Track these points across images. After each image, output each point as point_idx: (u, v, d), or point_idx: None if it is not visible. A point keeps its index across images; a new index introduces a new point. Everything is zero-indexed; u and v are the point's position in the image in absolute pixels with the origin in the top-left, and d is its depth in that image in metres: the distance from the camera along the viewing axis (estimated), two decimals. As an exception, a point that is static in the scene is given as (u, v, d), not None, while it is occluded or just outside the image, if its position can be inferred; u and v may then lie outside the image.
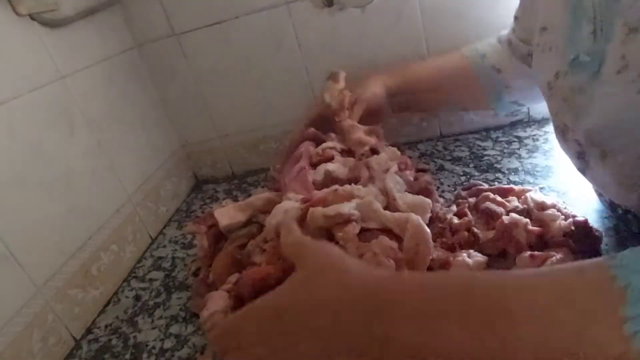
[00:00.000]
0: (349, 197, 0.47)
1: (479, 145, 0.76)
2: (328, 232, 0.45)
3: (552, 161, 0.66)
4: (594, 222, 0.48)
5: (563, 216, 0.46)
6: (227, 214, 0.55)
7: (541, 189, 0.58)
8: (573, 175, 0.52)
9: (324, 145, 0.61)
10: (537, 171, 0.64)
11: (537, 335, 0.24)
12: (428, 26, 0.76)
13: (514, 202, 0.51)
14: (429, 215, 0.48)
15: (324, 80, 0.71)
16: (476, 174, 0.68)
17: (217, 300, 0.43)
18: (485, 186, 0.58)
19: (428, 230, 0.42)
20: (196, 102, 0.88)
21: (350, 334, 0.28)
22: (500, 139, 0.77)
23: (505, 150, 0.73)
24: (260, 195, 0.56)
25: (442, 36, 0.76)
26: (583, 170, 0.44)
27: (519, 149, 0.72)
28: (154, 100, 0.87)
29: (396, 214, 0.45)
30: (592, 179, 0.44)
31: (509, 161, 0.69)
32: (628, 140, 0.33)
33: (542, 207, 0.48)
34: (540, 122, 0.79)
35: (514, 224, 0.45)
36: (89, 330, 0.59)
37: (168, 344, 0.53)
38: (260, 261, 0.46)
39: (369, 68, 0.78)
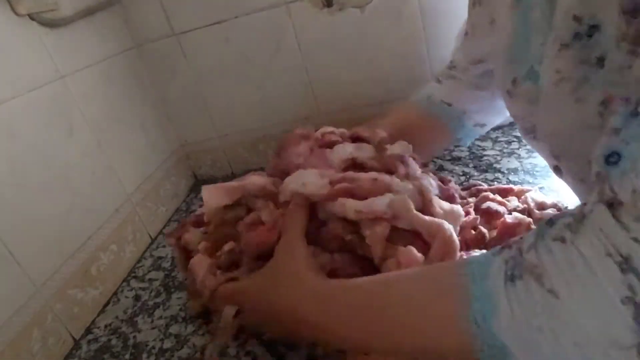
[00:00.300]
0: (386, 190, 0.44)
1: (479, 145, 0.76)
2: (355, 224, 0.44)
3: (551, 161, 0.66)
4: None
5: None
6: (215, 194, 0.52)
7: (540, 188, 0.58)
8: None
9: (322, 130, 0.56)
10: (537, 171, 0.64)
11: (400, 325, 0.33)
12: (428, 26, 0.76)
13: (514, 201, 0.51)
14: (459, 226, 0.46)
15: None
16: (475, 174, 0.68)
17: (200, 265, 0.47)
18: (485, 186, 0.58)
19: (458, 242, 0.41)
20: (196, 102, 0.88)
21: (294, 331, 0.41)
22: (499, 139, 0.77)
23: (504, 150, 0.73)
24: (256, 181, 0.52)
25: (442, 36, 0.76)
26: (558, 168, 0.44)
27: (518, 148, 0.72)
28: (154, 100, 0.87)
29: (428, 219, 0.42)
30: (564, 179, 0.45)
31: (508, 161, 0.69)
32: (576, 147, 0.35)
33: (542, 206, 0.49)
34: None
35: (517, 223, 0.45)
36: (88, 330, 0.59)
37: (168, 344, 0.53)
38: (266, 220, 0.47)
39: (369, 69, 0.79)
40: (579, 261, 0.24)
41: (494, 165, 0.69)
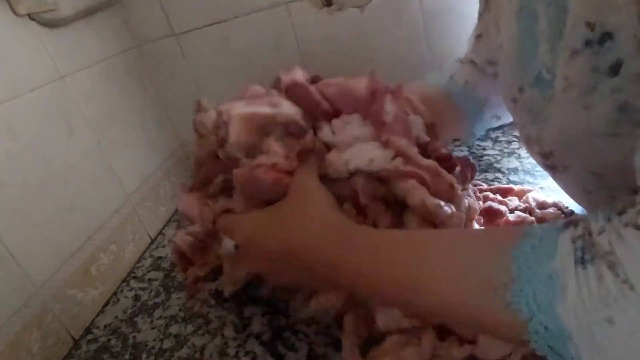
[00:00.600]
0: (448, 194, 0.39)
1: (479, 145, 0.76)
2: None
3: (552, 161, 0.66)
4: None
5: (564, 215, 0.46)
6: (244, 128, 0.43)
7: (541, 188, 0.58)
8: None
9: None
10: (537, 171, 0.64)
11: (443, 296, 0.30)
12: (428, 26, 0.76)
13: (514, 201, 0.51)
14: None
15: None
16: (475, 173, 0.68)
17: (193, 203, 0.46)
18: (485, 186, 0.58)
19: None
20: (196, 102, 0.88)
21: (306, 269, 0.38)
22: (500, 139, 0.77)
23: (504, 150, 0.73)
24: (288, 112, 0.43)
25: (442, 36, 0.76)
26: (553, 175, 0.44)
27: (518, 148, 0.72)
28: (154, 100, 0.87)
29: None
30: (561, 186, 0.45)
31: (508, 161, 0.69)
32: (582, 155, 0.35)
33: (543, 206, 0.49)
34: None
35: (520, 222, 0.45)
36: (88, 330, 0.59)
37: (167, 344, 0.53)
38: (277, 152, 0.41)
39: (369, 69, 0.78)
40: None
41: (494, 165, 0.69)
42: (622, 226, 0.24)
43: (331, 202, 0.39)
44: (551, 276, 0.25)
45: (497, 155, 0.72)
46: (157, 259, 0.71)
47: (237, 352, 0.48)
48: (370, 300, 0.41)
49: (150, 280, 0.66)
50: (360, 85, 0.46)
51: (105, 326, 0.59)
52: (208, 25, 0.81)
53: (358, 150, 0.40)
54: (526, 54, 0.39)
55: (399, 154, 0.40)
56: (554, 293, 0.25)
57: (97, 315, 0.61)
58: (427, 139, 0.44)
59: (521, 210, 0.48)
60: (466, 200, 0.42)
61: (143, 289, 0.64)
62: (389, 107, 0.42)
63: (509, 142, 0.75)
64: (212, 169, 0.47)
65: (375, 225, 0.40)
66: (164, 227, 0.81)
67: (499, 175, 0.66)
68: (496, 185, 0.60)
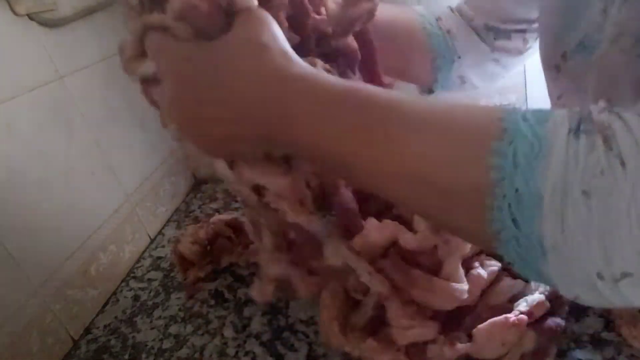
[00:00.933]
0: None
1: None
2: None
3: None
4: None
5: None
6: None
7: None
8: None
9: None
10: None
11: (420, 145, 0.26)
12: (427, 26, 0.76)
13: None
14: None
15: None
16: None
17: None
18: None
19: None
20: (195, 102, 0.88)
21: (256, 124, 0.29)
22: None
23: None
24: None
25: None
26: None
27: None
28: (153, 100, 0.87)
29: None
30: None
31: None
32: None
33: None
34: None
35: None
36: (87, 330, 0.59)
37: (167, 344, 0.53)
38: None
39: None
40: None
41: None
42: (622, 110, 0.23)
43: (292, 54, 0.30)
44: (538, 137, 0.23)
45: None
46: (157, 259, 0.71)
47: (236, 352, 0.48)
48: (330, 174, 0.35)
49: (149, 280, 0.66)
50: None
51: (104, 326, 0.59)
52: (207, 25, 0.80)
53: None
54: (571, 18, 0.37)
55: None
56: (537, 154, 0.23)
57: (97, 315, 0.61)
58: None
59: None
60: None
61: (142, 289, 0.64)
62: None
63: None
64: None
65: None
66: (163, 227, 0.81)
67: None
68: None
